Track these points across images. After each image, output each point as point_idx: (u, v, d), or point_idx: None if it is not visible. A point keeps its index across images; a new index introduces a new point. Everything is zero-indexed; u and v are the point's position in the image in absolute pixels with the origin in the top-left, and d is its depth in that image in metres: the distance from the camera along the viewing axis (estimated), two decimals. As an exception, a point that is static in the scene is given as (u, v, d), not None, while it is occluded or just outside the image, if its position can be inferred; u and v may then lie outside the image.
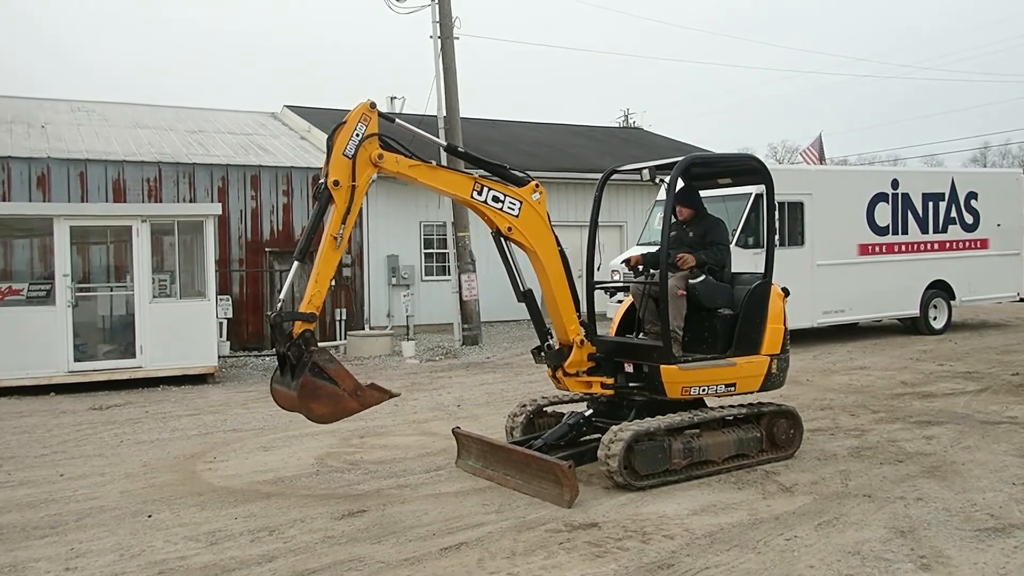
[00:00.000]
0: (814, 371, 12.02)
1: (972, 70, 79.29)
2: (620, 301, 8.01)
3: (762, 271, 7.24)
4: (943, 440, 7.59)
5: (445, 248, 19.06)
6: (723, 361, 6.81)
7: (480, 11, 34.83)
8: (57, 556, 5.25)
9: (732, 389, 6.83)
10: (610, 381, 6.77)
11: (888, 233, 15.59)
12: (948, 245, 16.32)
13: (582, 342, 6.70)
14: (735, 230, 13.37)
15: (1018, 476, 6.37)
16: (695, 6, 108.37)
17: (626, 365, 6.82)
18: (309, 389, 5.56)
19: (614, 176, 7.65)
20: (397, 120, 6.36)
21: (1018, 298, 17.42)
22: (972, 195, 16.55)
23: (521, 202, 6.50)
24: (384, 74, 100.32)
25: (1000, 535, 5.13)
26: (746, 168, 8.04)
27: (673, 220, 7.29)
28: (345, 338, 16.80)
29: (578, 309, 6.75)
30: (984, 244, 16.72)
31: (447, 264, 18.62)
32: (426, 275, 20.01)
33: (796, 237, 14.63)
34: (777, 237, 8.90)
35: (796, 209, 14.61)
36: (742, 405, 7.00)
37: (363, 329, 18.00)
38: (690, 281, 7.02)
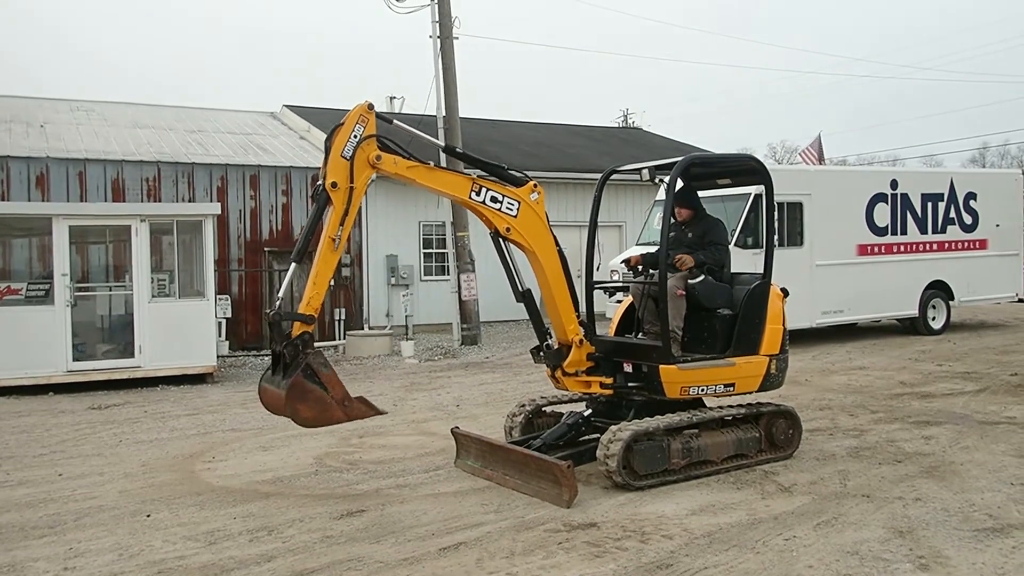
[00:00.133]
0: (813, 371, 12.02)
1: (971, 70, 79.40)
2: (619, 301, 8.02)
3: (761, 271, 7.24)
4: (942, 440, 7.60)
5: (444, 248, 19.05)
6: (722, 361, 6.82)
7: (479, 11, 34.82)
8: (56, 556, 5.25)
9: (731, 389, 6.84)
10: (609, 381, 6.77)
11: (887, 233, 15.61)
12: (947, 245, 16.34)
13: (581, 342, 6.70)
14: (734, 230, 13.36)
15: (1016, 476, 6.38)
16: (695, 6, 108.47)
17: (625, 365, 6.83)
18: (298, 390, 5.53)
19: (613, 176, 7.66)
20: (395, 121, 6.36)
21: (1017, 298, 17.45)
22: (971, 195, 16.57)
23: (519, 202, 6.50)
24: (384, 74, 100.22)
25: (998, 535, 5.14)
26: (745, 168, 8.05)
27: (672, 220, 7.30)
28: (344, 338, 16.81)
29: (577, 309, 6.75)
30: (983, 245, 16.74)
31: (446, 264, 18.61)
32: (425, 275, 20.01)
33: (795, 237, 14.64)
34: (776, 237, 8.92)
35: (795, 209, 14.62)
36: (741, 405, 7.01)
37: (362, 329, 18.00)
38: (689, 281, 7.02)
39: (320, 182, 5.87)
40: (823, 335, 15.74)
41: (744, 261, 11.48)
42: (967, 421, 8.38)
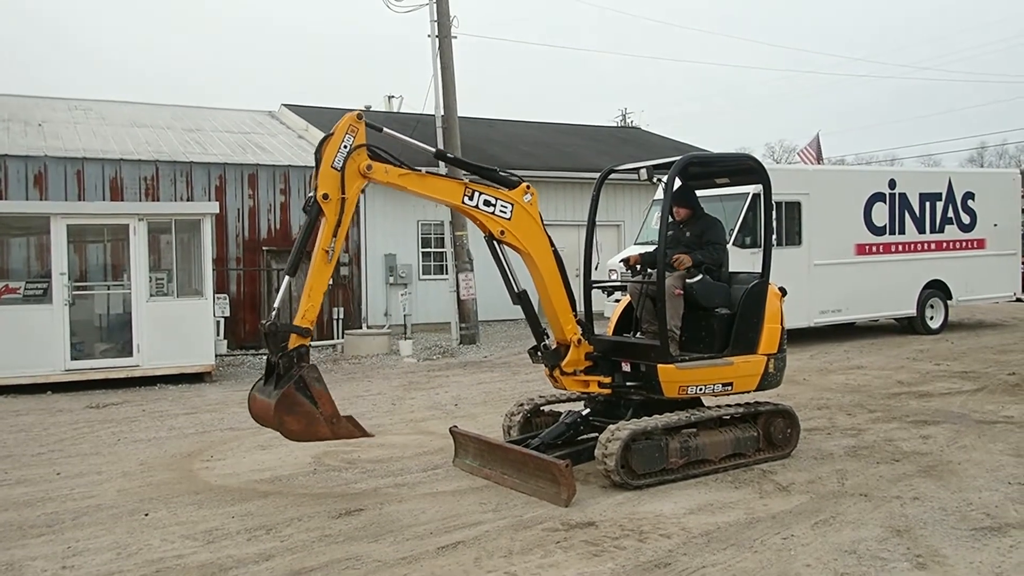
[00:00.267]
0: (811, 370, 12.03)
1: (970, 70, 79.47)
2: (617, 300, 8.02)
3: (759, 271, 7.25)
4: (939, 439, 7.61)
5: (443, 247, 19.06)
6: (720, 360, 6.82)
7: (479, 11, 34.82)
8: (54, 555, 5.24)
9: (729, 388, 6.84)
10: (607, 380, 6.77)
11: (885, 233, 15.62)
12: (945, 245, 16.35)
13: (579, 341, 6.71)
14: (732, 230, 13.37)
15: (1014, 475, 6.39)
16: (695, 6, 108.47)
17: (623, 364, 6.83)
18: (288, 402, 5.52)
19: (612, 176, 7.66)
20: (385, 129, 6.31)
21: (1015, 298, 17.47)
22: (969, 195, 16.58)
23: (512, 205, 6.49)
24: (383, 73, 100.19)
25: (996, 534, 5.15)
26: (743, 168, 8.05)
27: (670, 220, 7.30)
28: (342, 337, 16.80)
29: (574, 308, 6.75)
30: (981, 244, 16.76)
31: (445, 263, 18.62)
32: (423, 274, 20.00)
33: (793, 237, 14.65)
34: (774, 237, 8.91)
35: (793, 209, 14.63)
36: (739, 404, 7.01)
37: (360, 328, 18.00)
38: (687, 280, 7.02)
39: (311, 194, 5.85)
40: (821, 334, 15.75)
41: (742, 260, 11.49)
42: (965, 420, 8.40)
